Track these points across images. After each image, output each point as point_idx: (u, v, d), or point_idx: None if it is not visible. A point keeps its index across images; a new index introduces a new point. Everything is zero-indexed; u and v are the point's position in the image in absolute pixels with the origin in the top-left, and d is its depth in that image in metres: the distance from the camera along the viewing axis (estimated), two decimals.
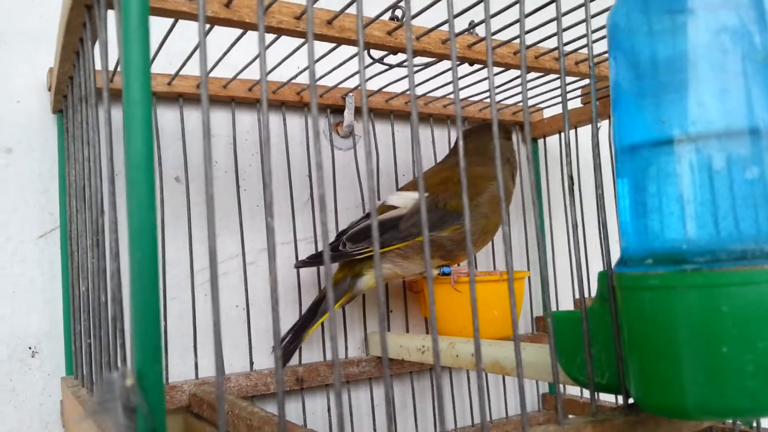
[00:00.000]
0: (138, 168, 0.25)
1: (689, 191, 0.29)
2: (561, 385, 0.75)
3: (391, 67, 0.57)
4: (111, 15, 0.35)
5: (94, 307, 0.39)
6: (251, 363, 0.61)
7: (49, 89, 0.55)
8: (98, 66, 0.38)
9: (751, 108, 0.30)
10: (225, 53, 0.51)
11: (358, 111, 0.67)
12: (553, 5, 0.40)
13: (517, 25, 0.39)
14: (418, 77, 0.64)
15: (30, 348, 0.54)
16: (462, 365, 0.54)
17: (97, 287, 0.38)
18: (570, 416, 0.66)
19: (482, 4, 0.40)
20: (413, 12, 0.48)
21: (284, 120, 0.64)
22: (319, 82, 0.62)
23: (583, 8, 0.39)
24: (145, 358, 0.24)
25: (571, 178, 0.36)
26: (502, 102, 0.72)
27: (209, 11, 0.42)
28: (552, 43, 0.56)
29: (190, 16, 0.42)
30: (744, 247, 0.29)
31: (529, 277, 0.67)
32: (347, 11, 0.46)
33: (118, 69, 0.51)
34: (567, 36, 0.54)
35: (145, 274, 0.25)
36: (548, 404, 0.75)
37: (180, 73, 0.56)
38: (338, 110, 0.67)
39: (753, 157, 0.29)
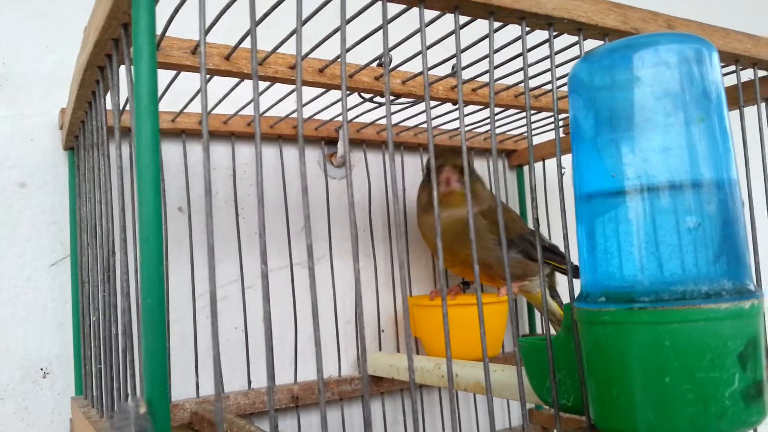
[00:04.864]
0: (149, 226, 0.28)
1: (636, 238, 0.33)
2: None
3: (380, 105, 0.61)
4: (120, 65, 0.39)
5: (105, 337, 0.42)
6: (249, 382, 0.64)
7: (61, 128, 0.59)
8: (109, 107, 0.42)
9: (692, 164, 0.33)
10: (225, 95, 0.55)
11: (351, 142, 0.71)
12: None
13: (498, 69, 0.43)
14: (408, 112, 0.68)
15: (42, 369, 0.58)
16: (447, 385, 0.57)
17: (108, 319, 0.42)
18: None
19: (464, 53, 0.45)
20: (400, 60, 0.52)
21: (281, 152, 0.68)
22: (315, 117, 0.66)
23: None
24: (153, 390, 0.28)
25: (537, 220, 0.39)
26: (489, 132, 0.76)
27: (210, 64, 0.46)
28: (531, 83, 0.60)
29: (193, 69, 0.46)
30: (684, 288, 0.32)
31: (515, 299, 0.71)
32: (338, 60, 0.50)
33: (127, 111, 0.55)
34: (548, 77, 0.58)
35: (155, 318, 0.28)
36: (534, 419, 0.78)
37: (184, 110, 0.60)
38: (332, 142, 0.71)
39: (694, 207, 0.33)
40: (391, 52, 0.53)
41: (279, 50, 0.47)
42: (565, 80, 0.54)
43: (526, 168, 0.82)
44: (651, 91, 0.34)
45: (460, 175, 0.64)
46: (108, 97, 0.42)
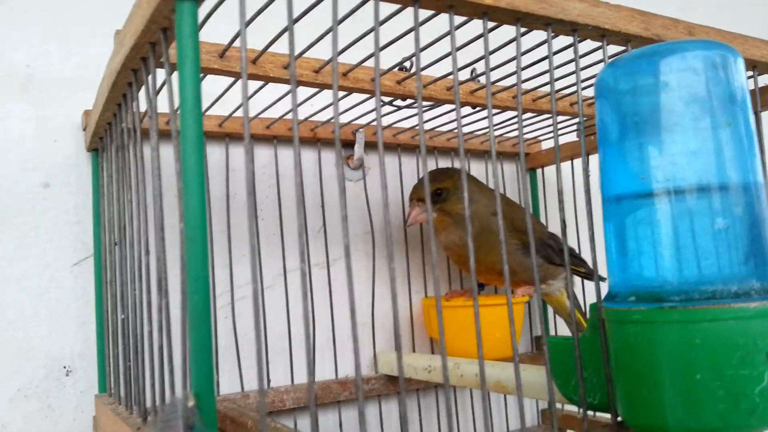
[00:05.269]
0: (194, 226, 0.29)
1: (666, 238, 0.34)
2: (559, 403, 0.79)
3: (399, 108, 0.61)
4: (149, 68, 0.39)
5: (137, 334, 0.43)
6: (268, 381, 0.65)
7: (84, 129, 0.60)
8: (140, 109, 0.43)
9: (719, 167, 0.34)
10: (249, 97, 0.55)
11: (367, 145, 0.72)
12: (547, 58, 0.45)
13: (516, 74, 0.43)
14: (429, 114, 0.69)
15: (65, 367, 0.59)
16: (466, 384, 0.58)
17: (140, 317, 0.42)
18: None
19: (484, 58, 0.45)
20: (424, 62, 0.53)
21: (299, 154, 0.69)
22: (332, 120, 0.67)
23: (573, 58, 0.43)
24: (201, 384, 0.29)
25: (563, 221, 0.40)
26: (504, 135, 0.77)
27: (237, 67, 0.47)
28: (546, 88, 0.61)
29: (220, 72, 0.46)
30: (714, 288, 0.33)
31: (528, 301, 0.72)
32: (362, 64, 0.50)
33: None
34: (565, 81, 0.59)
35: (201, 314, 0.29)
36: (547, 420, 0.79)
37: (205, 113, 0.60)
38: (349, 144, 0.72)
39: (722, 209, 0.34)
40: (412, 58, 0.54)
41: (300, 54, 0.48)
42: (582, 84, 0.55)
43: (539, 171, 0.83)
44: (679, 96, 0.35)
45: (422, 208, 0.66)
46: (140, 99, 0.43)
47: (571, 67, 0.51)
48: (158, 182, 0.37)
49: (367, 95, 0.56)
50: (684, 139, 0.34)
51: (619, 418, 0.38)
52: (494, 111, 0.64)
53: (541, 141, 0.80)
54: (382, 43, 0.48)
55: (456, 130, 0.74)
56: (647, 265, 0.35)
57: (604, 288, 0.68)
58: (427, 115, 0.69)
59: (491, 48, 0.49)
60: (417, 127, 0.72)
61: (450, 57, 0.44)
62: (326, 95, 0.59)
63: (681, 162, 0.34)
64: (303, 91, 0.58)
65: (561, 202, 0.41)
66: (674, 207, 0.34)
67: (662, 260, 0.34)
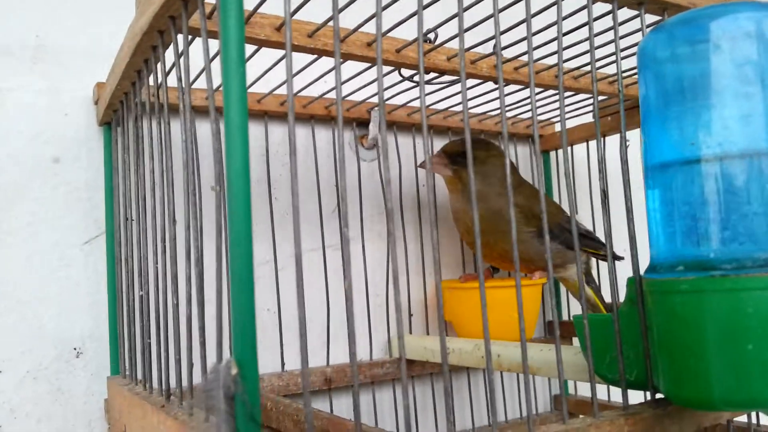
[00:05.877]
0: (237, 184, 0.28)
1: (716, 205, 0.33)
2: (573, 386, 0.78)
3: (417, 84, 0.60)
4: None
5: (159, 310, 0.41)
6: (282, 364, 0.64)
7: (96, 103, 0.58)
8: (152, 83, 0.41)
9: None
10: (266, 72, 0.54)
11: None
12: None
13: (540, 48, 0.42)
14: (443, 93, 0.67)
15: (75, 349, 0.57)
16: (485, 365, 0.57)
17: (164, 291, 0.41)
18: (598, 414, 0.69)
19: (513, 31, 0.44)
20: (447, 36, 0.52)
21: (313, 133, 0.68)
22: (347, 98, 0.66)
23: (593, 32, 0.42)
24: (244, 351, 0.28)
25: (603, 191, 0.39)
26: (518, 117, 0.75)
27: (261, 35, 0.45)
28: (569, 64, 0.60)
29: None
30: (766, 255, 0.32)
31: (544, 284, 0.71)
32: (387, 34, 0.49)
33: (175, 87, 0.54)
34: (583, 59, 0.57)
35: (243, 281, 0.28)
36: (559, 405, 0.78)
37: (219, 88, 0.59)
38: (363, 123, 0.70)
39: None
40: (437, 29, 0.52)
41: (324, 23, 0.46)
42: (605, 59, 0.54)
43: (552, 153, 0.82)
44: (730, 59, 0.34)
45: (445, 160, 0.65)
46: (160, 67, 0.41)
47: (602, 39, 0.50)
48: (191, 146, 0.35)
49: (390, 68, 0.55)
50: (735, 104, 0.33)
51: (658, 395, 0.38)
52: (516, 88, 0.62)
53: (554, 123, 0.79)
54: (405, 15, 0.47)
55: (471, 110, 0.72)
56: (696, 233, 0.34)
57: (620, 268, 0.67)
58: (446, 92, 0.67)
59: (511, 22, 0.48)
60: (432, 106, 0.70)
61: (470, 31, 0.42)
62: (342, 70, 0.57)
63: (732, 127, 0.33)
64: (319, 66, 0.57)
65: (601, 171, 0.40)
66: (725, 172, 0.33)
67: (712, 227, 0.33)
